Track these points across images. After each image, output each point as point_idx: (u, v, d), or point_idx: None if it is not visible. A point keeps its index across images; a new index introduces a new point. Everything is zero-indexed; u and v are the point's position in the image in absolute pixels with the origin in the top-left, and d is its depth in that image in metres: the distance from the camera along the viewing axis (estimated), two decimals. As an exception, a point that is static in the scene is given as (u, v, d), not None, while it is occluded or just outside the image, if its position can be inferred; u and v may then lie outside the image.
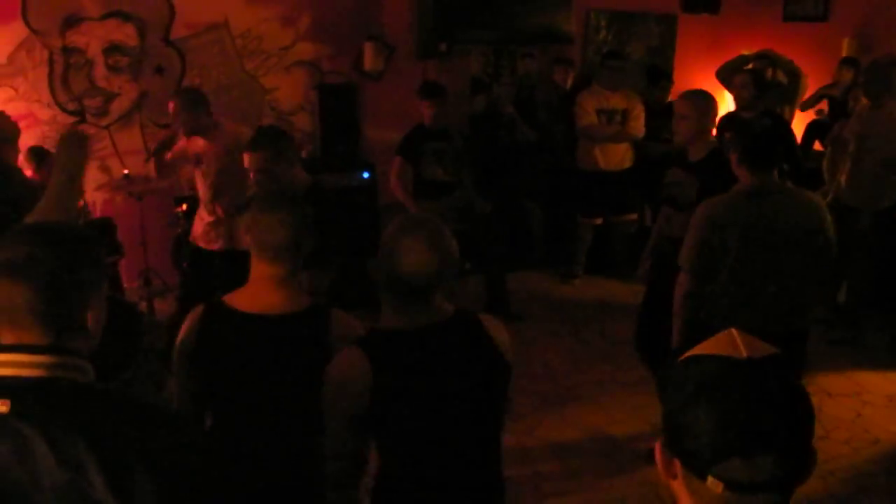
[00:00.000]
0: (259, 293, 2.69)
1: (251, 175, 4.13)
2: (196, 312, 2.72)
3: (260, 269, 2.70)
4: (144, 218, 6.56)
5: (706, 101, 4.87)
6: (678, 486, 1.42)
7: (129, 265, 6.66)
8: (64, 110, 6.92)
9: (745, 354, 1.36)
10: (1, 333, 1.65)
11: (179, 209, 6.70)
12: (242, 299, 2.70)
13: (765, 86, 6.64)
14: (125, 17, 6.99)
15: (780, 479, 1.33)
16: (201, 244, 5.64)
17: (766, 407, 1.33)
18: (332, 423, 2.40)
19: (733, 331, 1.41)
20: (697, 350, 1.42)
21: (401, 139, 6.49)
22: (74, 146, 3.43)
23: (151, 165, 5.86)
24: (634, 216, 8.05)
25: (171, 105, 5.39)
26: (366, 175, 7.46)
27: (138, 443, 1.56)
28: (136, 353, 4.33)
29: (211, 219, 5.58)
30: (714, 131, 4.91)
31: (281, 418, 2.68)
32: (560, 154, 7.94)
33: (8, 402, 1.54)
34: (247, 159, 4.11)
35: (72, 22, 6.80)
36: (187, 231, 5.95)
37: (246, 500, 2.69)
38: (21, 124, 6.65)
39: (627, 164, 7.64)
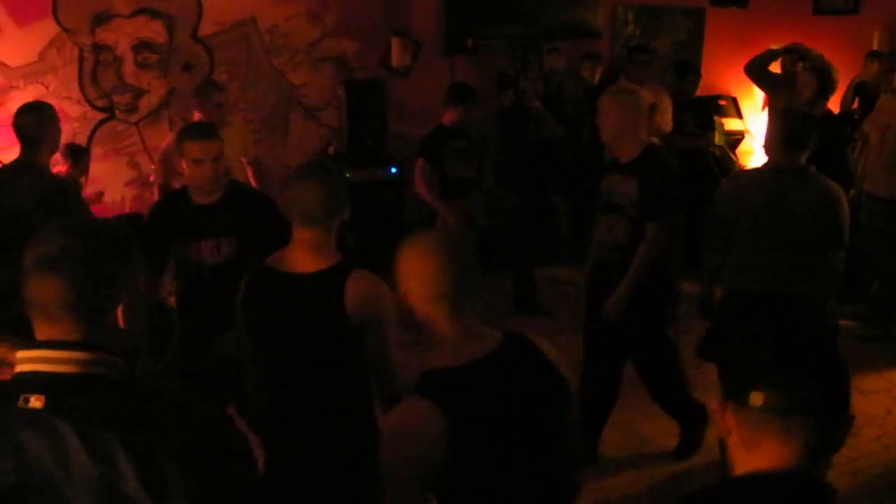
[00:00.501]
0: (295, 255, 2.96)
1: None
2: (246, 275, 3.10)
3: (297, 233, 2.95)
4: (173, 214, 6.59)
5: (629, 100, 4.57)
6: (734, 442, 1.60)
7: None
8: (94, 107, 6.98)
9: None
10: (37, 328, 1.66)
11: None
12: (281, 261, 2.98)
13: (828, 86, 6.49)
14: (154, 14, 7.04)
15: (814, 403, 1.54)
16: None
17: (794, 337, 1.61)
18: (397, 488, 2.15)
19: None
20: None
21: (422, 141, 6.49)
22: None
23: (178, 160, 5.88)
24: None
25: None
26: (393, 170, 7.47)
27: (170, 438, 1.57)
28: (165, 348, 4.36)
29: None
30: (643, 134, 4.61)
31: (316, 372, 2.95)
32: (587, 149, 7.90)
33: (42, 397, 1.55)
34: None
35: (101, 19, 6.86)
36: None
37: (292, 458, 2.92)
38: (52, 121, 6.73)
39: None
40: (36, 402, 1.55)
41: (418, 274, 2.22)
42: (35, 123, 4.66)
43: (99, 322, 1.66)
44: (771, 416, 1.53)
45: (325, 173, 2.97)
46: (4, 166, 5.12)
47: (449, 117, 6.37)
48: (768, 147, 4.19)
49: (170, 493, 1.53)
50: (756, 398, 1.52)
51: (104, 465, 1.51)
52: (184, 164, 3.88)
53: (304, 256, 2.94)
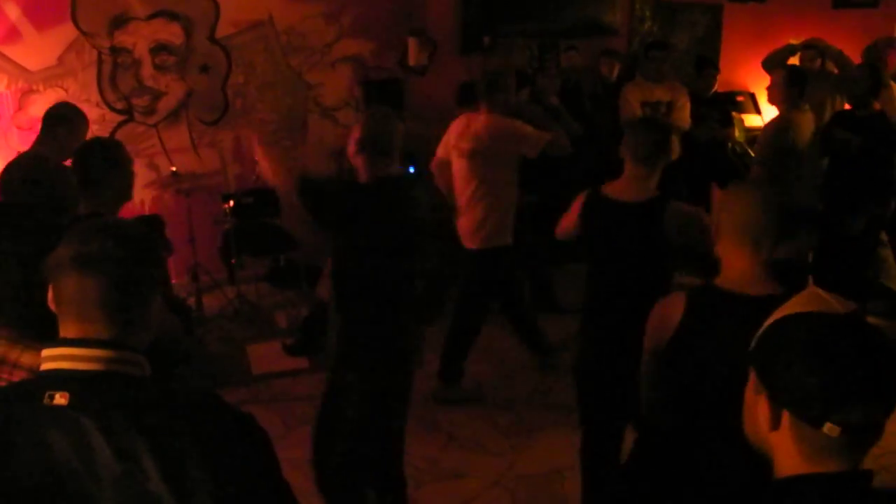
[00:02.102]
0: (627, 186, 3.86)
1: None
2: (580, 198, 4.03)
3: (629, 170, 3.86)
4: (192, 214, 6.63)
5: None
6: (779, 437, 1.53)
7: (177, 261, 6.73)
8: (112, 109, 7.01)
9: (841, 310, 1.50)
10: (65, 326, 1.67)
11: (227, 206, 6.77)
12: (614, 190, 3.90)
13: (881, 82, 6.37)
14: (171, 16, 7.06)
15: (882, 420, 1.49)
16: None
17: (878, 357, 1.47)
18: (645, 355, 2.82)
19: (816, 289, 1.56)
20: (786, 311, 1.55)
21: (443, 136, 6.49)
22: None
23: (197, 162, 5.90)
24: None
25: None
26: (411, 169, 7.47)
27: (193, 436, 1.58)
28: (185, 348, 4.38)
29: None
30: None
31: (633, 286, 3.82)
32: (606, 146, 7.88)
33: (67, 394, 1.56)
34: None
35: (119, 22, 6.89)
36: (235, 227, 5.99)
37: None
38: (71, 124, 6.78)
39: (673, 156, 7.56)
40: (60, 399, 1.56)
41: (733, 209, 2.60)
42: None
43: (128, 322, 1.68)
44: (841, 442, 1.47)
45: (656, 125, 4.20)
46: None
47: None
48: None
49: (194, 490, 1.54)
50: (832, 430, 1.45)
51: (128, 461, 1.52)
52: None
53: (632, 188, 3.83)
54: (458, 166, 5.58)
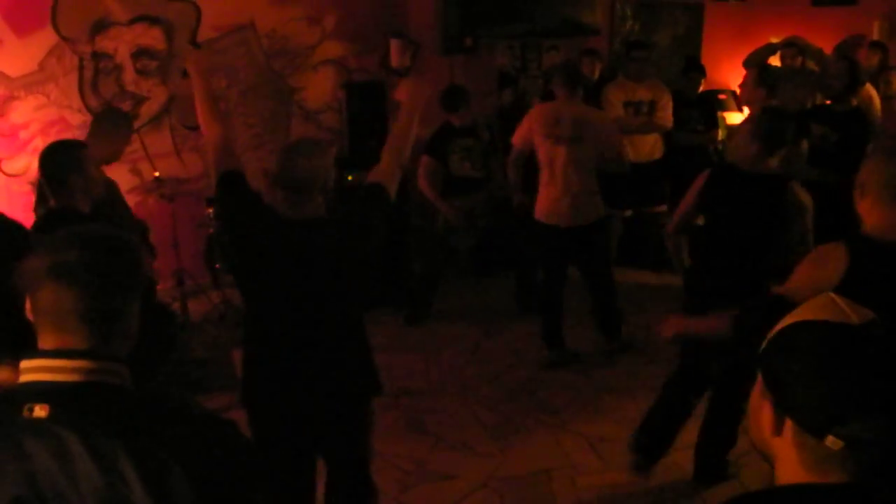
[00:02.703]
0: (753, 162, 4.33)
1: None
2: (701, 177, 4.51)
3: (756, 149, 4.31)
4: (176, 219, 6.60)
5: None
6: (782, 444, 1.51)
7: (162, 266, 6.70)
8: (94, 115, 6.97)
9: (857, 320, 1.46)
10: (43, 337, 1.66)
11: (210, 210, 6.75)
12: (742, 162, 4.39)
13: (858, 79, 6.43)
14: (152, 20, 7.04)
15: (887, 436, 1.44)
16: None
17: (886, 371, 1.43)
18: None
19: (833, 295, 1.52)
20: (800, 316, 1.51)
21: (428, 138, 6.51)
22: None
23: (180, 167, 5.89)
24: (664, 207, 8.01)
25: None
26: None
27: (175, 445, 1.57)
28: (169, 354, 4.37)
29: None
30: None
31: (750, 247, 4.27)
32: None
33: (47, 406, 1.56)
34: None
35: (100, 27, 6.86)
36: (219, 232, 5.98)
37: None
38: (53, 130, 6.79)
39: (657, 155, 7.61)
40: (40, 411, 1.55)
41: (881, 170, 2.86)
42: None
43: (109, 331, 1.67)
44: (844, 454, 1.44)
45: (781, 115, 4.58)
46: None
47: (455, 117, 6.40)
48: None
49: (177, 500, 1.53)
50: (835, 443, 1.42)
51: (110, 473, 1.52)
52: None
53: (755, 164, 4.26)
54: (556, 153, 5.89)
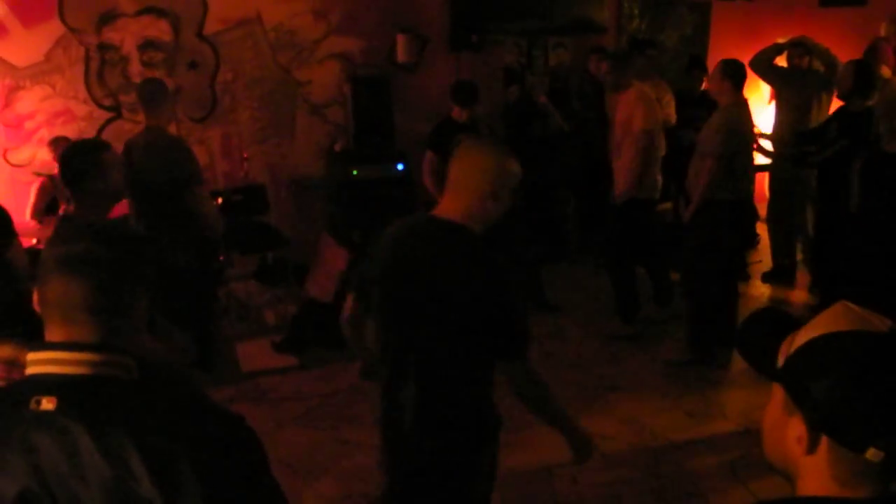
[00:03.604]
0: None
1: None
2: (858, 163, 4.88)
3: None
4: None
5: None
6: (810, 459, 1.44)
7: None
8: (100, 106, 6.99)
9: (883, 327, 1.41)
10: (50, 329, 1.66)
11: (219, 201, 6.75)
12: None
13: (870, 81, 6.41)
14: (159, 12, 7.04)
15: None
16: None
17: None
18: None
19: (847, 303, 1.46)
20: (819, 329, 1.45)
21: (429, 133, 6.50)
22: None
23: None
24: (668, 205, 8.00)
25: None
26: (400, 167, 7.46)
27: (183, 438, 1.57)
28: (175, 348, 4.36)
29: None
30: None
31: None
32: (594, 144, 7.89)
33: (54, 399, 1.55)
34: None
35: (107, 19, 6.87)
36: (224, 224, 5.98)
37: None
38: (58, 121, 6.80)
39: (661, 152, 7.58)
40: (48, 403, 1.55)
41: None
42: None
43: (117, 325, 1.66)
44: (880, 467, 1.39)
45: None
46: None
47: (457, 112, 6.39)
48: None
49: (184, 493, 1.53)
50: (876, 455, 1.37)
51: (117, 466, 1.52)
52: None
53: None
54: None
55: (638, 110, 6.21)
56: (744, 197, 5.87)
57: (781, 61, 7.55)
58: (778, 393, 1.49)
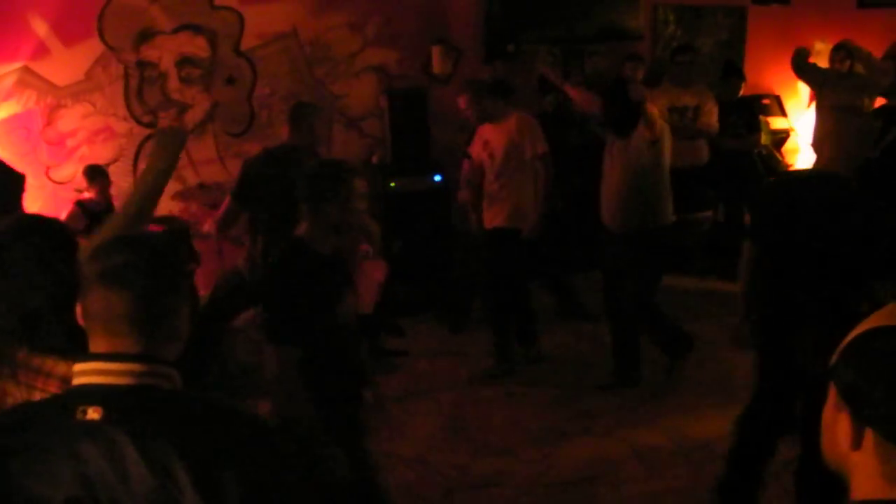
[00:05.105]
0: None
1: None
2: None
3: None
4: (220, 226, 6.64)
5: None
6: (860, 457, 1.43)
7: (205, 273, 6.75)
8: (139, 123, 7.06)
9: None
10: (94, 340, 1.68)
11: (254, 217, 6.79)
12: None
13: None
14: (196, 29, 7.11)
15: None
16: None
17: None
18: None
19: None
20: (869, 325, 1.44)
21: (468, 140, 6.50)
22: (174, 142, 3.31)
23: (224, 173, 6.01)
24: (709, 213, 7.95)
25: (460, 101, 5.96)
26: (437, 178, 7.47)
27: (226, 449, 1.58)
28: (212, 359, 4.39)
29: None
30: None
31: None
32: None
33: (100, 409, 1.57)
34: None
35: (145, 36, 6.95)
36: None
37: None
38: (99, 138, 6.88)
39: (702, 160, 7.53)
40: (93, 413, 1.56)
41: None
42: None
43: (157, 334, 1.68)
44: None
45: None
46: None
47: None
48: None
49: (226, 502, 1.54)
50: None
51: (162, 476, 1.53)
52: None
53: None
54: None
55: (527, 136, 5.89)
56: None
57: (823, 63, 7.50)
58: (832, 391, 1.48)
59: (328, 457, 3.04)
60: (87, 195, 6.45)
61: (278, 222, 4.73)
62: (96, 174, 6.46)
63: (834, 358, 1.46)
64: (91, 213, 6.35)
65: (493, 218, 5.99)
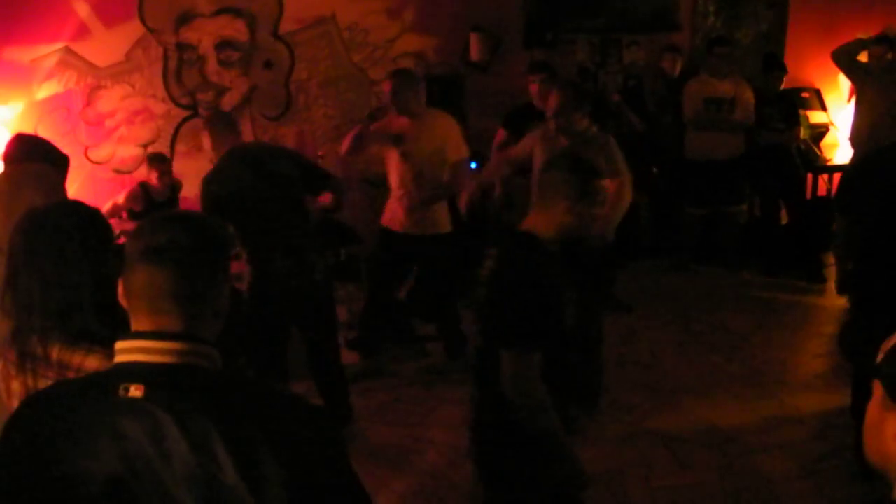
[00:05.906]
0: None
1: None
2: None
3: None
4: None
5: None
6: None
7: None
8: (178, 105, 7.12)
9: None
10: (137, 319, 1.69)
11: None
12: None
13: None
14: (236, 12, 7.14)
15: None
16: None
17: None
18: None
19: None
20: None
21: (507, 113, 6.48)
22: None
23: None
24: (744, 206, 7.90)
25: (385, 85, 5.55)
26: (473, 165, 7.44)
27: (266, 427, 1.59)
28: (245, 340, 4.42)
29: (408, 203, 5.61)
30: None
31: None
32: (668, 143, 7.81)
33: (142, 386, 1.58)
34: None
35: (185, 19, 7.00)
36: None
37: None
38: (137, 119, 6.93)
39: (738, 152, 7.47)
40: (135, 391, 1.58)
41: None
42: None
43: (199, 313, 1.69)
44: None
45: None
46: None
47: (534, 94, 6.36)
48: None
49: (267, 482, 1.55)
50: None
51: (203, 454, 1.54)
52: None
53: None
54: None
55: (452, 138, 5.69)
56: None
57: (863, 57, 7.41)
58: (878, 390, 1.45)
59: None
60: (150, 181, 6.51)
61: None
62: (155, 161, 6.49)
63: (880, 356, 1.44)
64: (150, 199, 6.39)
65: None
